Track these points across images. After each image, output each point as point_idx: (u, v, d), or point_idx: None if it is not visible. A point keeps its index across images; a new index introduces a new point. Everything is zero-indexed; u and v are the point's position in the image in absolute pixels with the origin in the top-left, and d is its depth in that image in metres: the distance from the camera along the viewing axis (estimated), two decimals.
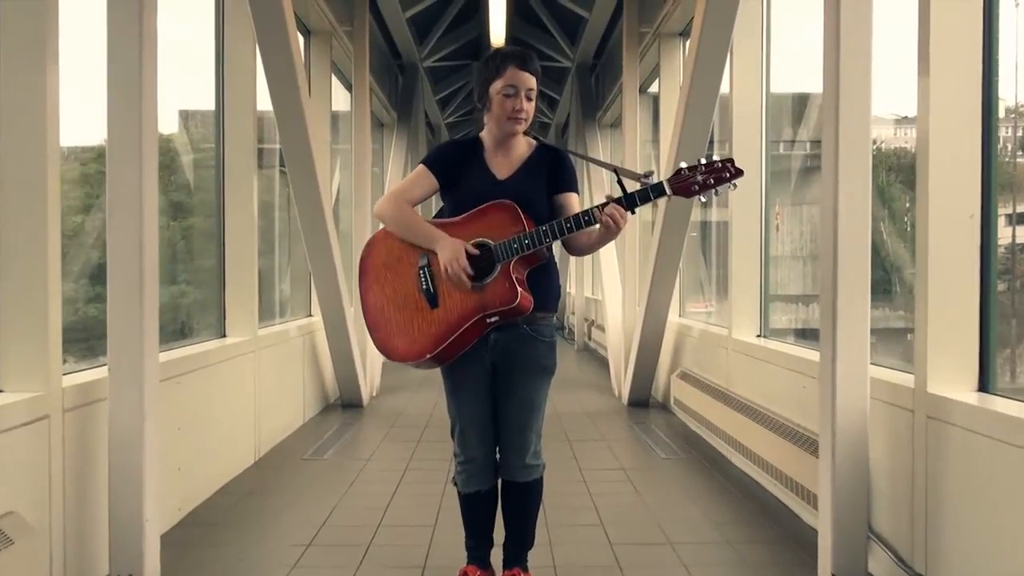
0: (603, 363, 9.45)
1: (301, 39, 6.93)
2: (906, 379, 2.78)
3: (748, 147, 4.87)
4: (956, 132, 2.51)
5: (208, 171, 4.90)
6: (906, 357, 3.86)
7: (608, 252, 8.38)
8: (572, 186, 2.61)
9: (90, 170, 4.12)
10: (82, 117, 3.46)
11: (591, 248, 2.58)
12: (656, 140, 7.82)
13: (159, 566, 2.86)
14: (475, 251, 2.41)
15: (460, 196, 2.52)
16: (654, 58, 7.42)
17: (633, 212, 2.41)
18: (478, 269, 2.42)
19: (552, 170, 2.58)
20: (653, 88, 8.10)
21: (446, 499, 3.85)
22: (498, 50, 2.59)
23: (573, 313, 12.81)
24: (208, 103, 4.86)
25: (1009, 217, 4.99)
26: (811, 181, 5.36)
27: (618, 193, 2.41)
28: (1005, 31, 2.53)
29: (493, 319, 2.45)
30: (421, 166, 2.56)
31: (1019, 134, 2.92)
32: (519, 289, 2.41)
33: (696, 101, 4.84)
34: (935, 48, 2.52)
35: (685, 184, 2.39)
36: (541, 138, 2.66)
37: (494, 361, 2.58)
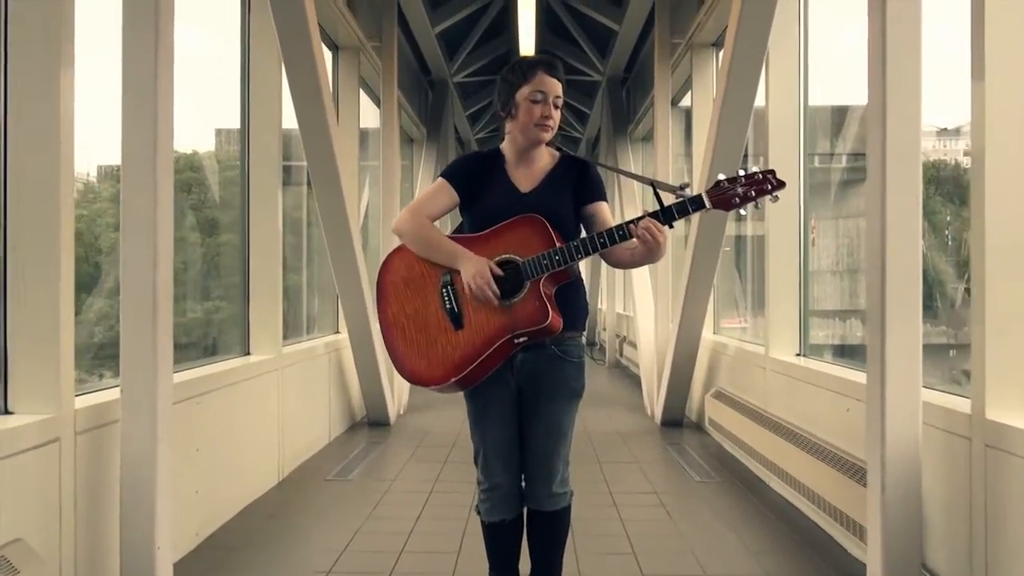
0: (634, 380, 9.26)
1: (329, 55, 6.92)
2: (961, 404, 2.59)
3: (785, 160, 4.70)
4: (1015, 141, 2.34)
5: (239, 188, 4.86)
6: (950, 376, 3.66)
7: (640, 267, 8.19)
8: (600, 195, 2.48)
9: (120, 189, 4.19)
10: (118, 134, 3.44)
11: (632, 264, 2.44)
12: (688, 154, 7.66)
13: None
14: (499, 271, 2.29)
15: (481, 211, 2.41)
16: (686, 70, 7.27)
17: (671, 226, 2.27)
18: (505, 287, 2.30)
19: (578, 181, 2.46)
20: (685, 101, 7.96)
21: (471, 524, 3.71)
22: (525, 56, 2.48)
23: (604, 329, 12.62)
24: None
25: None
26: (847, 194, 5.21)
27: (653, 207, 2.28)
28: None
29: (521, 340, 2.32)
30: (440, 179, 2.45)
31: None
32: (550, 308, 2.29)
33: (730, 113, 4.69)
34: (990, 50, 2.35)
35: (724, 196, 2.25)
36: (565, 148, 2.54)
37: (520, 384, 2.45)
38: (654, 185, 2.33)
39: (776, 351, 4.76)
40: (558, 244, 2.29)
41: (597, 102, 11.07)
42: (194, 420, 3.49)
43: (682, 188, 2.29)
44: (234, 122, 4.84)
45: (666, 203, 2.27)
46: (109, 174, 4.20)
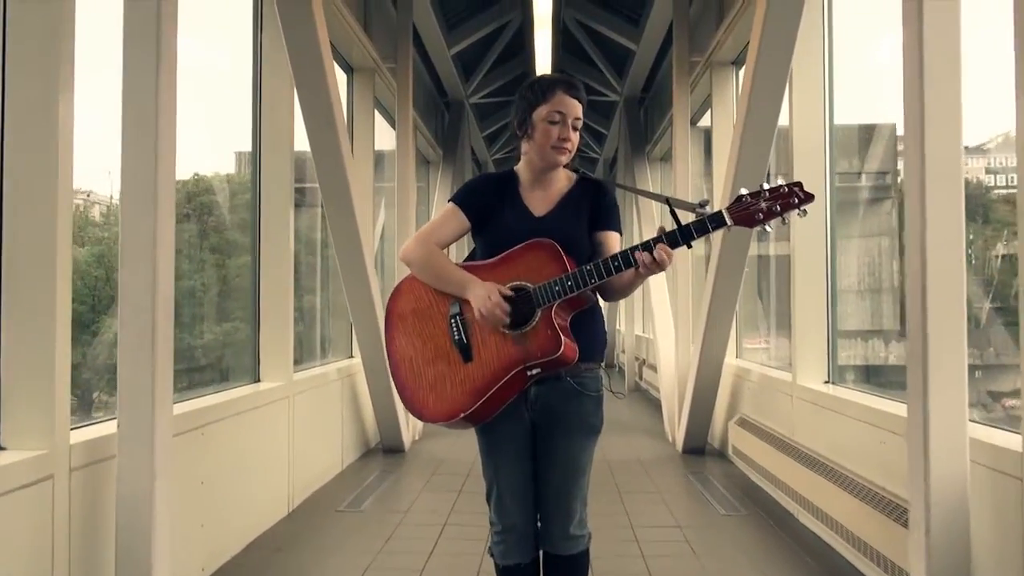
0: (654, 404, 9.07)
1: (344, 76, 6.87)
2: (1010, 440, 2.42)
3: (811, 179, 4.54)
4: None
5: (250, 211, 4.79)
6: (976, 398, 3.48)
7: (659, 288, 8.05)
8: (613, 224, 2.33)
9: None
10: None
11: (626, 291, 2.28)
12: (708, 173, 7.52)
13: None
14: (509, 292, 2.15)
15: (494, 236, 2.27)
16: (705, 88, 7.15)
17: (689, 246, 2.11)
18: (516, 316, 2.16)
19: (593, 205, 2.32)
20: (703, 121, 7.83)
21: (486, 562, 3.55)
22: (544, 75, 2.35)
23: (623, 351, 12.43)
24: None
25: None
26: (865, 213, 5.10)
27: (670, 226, 2.13)
28: None
29: (534, 371, 2.18)
30: (450, 204, 2.32)
31: None
32: (562, 337, 2.14)
33: (753, 133, 4.54)
34: None
35: (747, 212, 2.08)
36: (583, 170, 2.41)
37: (534, 419, 2.31)
38: (670, 202, 2.18)
39: (803, 378, 4.57)
40: (571, 269, 2.16)
41: (614, 122, 10.98)
42: (199, 452, 3.36)
43: (701, 205, 2.13)
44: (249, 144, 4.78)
45: (684, 221, 2.12)
46: None
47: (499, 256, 2.23)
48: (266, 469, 4.25)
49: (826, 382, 4.56)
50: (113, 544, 2.51)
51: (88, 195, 3.96)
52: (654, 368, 9.21)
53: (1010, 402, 3.48)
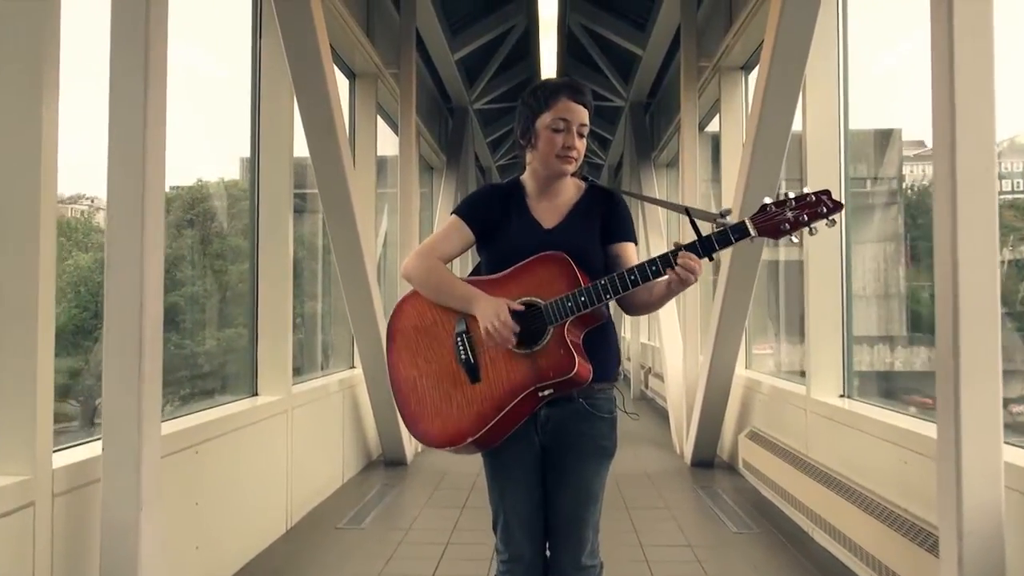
0: (660, 413, 8.93)
1: (346, 82, 6.76)
2: None
3: (825, 183, 4.41)
4: None
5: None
6: None
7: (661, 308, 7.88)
8: (628, 235, 2.21)
9: None
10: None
11: (652, 306, 2.15)
12: (715, 179, 7.40)
13: None
14: (519, 307, 2.03)
15: (501, 249, 2.14)
16: (713, 94, 7.03)
17: (711, 258, 1.99)
18: (527, 333, 2.04)
19: (605, 216, 2.19)
20: (711, 126, 7.71)
21: None
22: (547, 80, 2.22)
23: (628, 359, 12.29)
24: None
25: None
26: (870, 219, 5.08)
27: (687, 237, 2.00)
28: None
29: (546, 392, 2.04)
30: (454, 216, 2.19)
31: None
32: (576, 356, 2.01)
33: (766, 139, 4.41)
34: None
35: (772, 223, 1.95)
36: (592, 179, 2.28)
37: (544, 443, 2.18)
38: (689, 213, 2.05)
39: (818, 392, 4.43)
40: (584, 284, 2.03)
41: (620, 128, 10.87)
42: (193, 471, 3.24)
43: (722, 215, 2.00)
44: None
45: (704, 232, 1.99)
46: None
47: (507, 270, 2.10)
48: (263, 486, 4.12)
49: (841, 396, 4.42)
50: (98, 575, 2.38)
51: (92, 201, 3.88)
52: (660, 377, 9.06)
53: (1017, 408, 3.37)
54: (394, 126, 7.66)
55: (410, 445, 6.37)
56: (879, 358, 4.93)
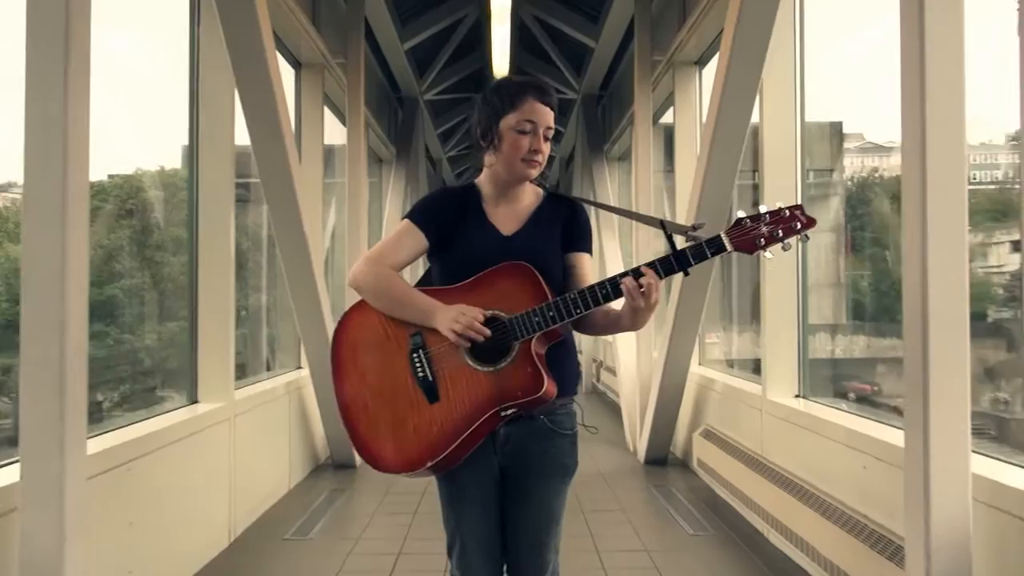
0: (612, 408, 8.90)
1: (291, 72, 6.52)
2: (1012, 476, 2.24)
3: (783, 177, 4.39)
4: None
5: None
6: None
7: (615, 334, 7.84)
8: (586, 245, 2.10)
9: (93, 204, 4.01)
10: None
11: (608, 328, 2.03)
12: (667, 171, 7.35)
13: None
14: (484, 315, 1.90)
15: (457, 257, 2.01)
16: (667, 88, 6.98)
17: (686, 273, 1.89)
18: (491, 350, 1.91)
19: (566, 225, 2.07)
20: (665, 118, 7.66)
21: None
22: (510, 78, 2.07)
23: (580, 352, 12.29)
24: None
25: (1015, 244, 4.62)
26: (815, 210, 4.94)
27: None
28: None
29: (509, 412, 1.92)
30: (405, 221, 2.03)
31: None
32: (545, 375, 1.89)
33: (724, 137, 4.35)
34: None
35: (747, 238, 1.86)
36: (549, 185, 2.17)
37: (503, 463, 2.06)
38: (664, 226, 1.95)
39: (774, 392, 4.40)
40: (550, 297, 1.91)
41: (571, 120, 10.77)
42: (126, 490, 3.03)
43: (695, 228, 1.91)
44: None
45: (679, 245, 1.89)
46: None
47: (466, 280, 1.96)
48: (204, 499, 3.92)
49: (797, 396, 4.40)
50: None
51: None
52: (613, 371, 9.03)
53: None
54: (342, 117, 7.43)
55: None
56: (821, 346, 4.95)
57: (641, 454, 6.24)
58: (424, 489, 5.29)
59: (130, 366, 4.56)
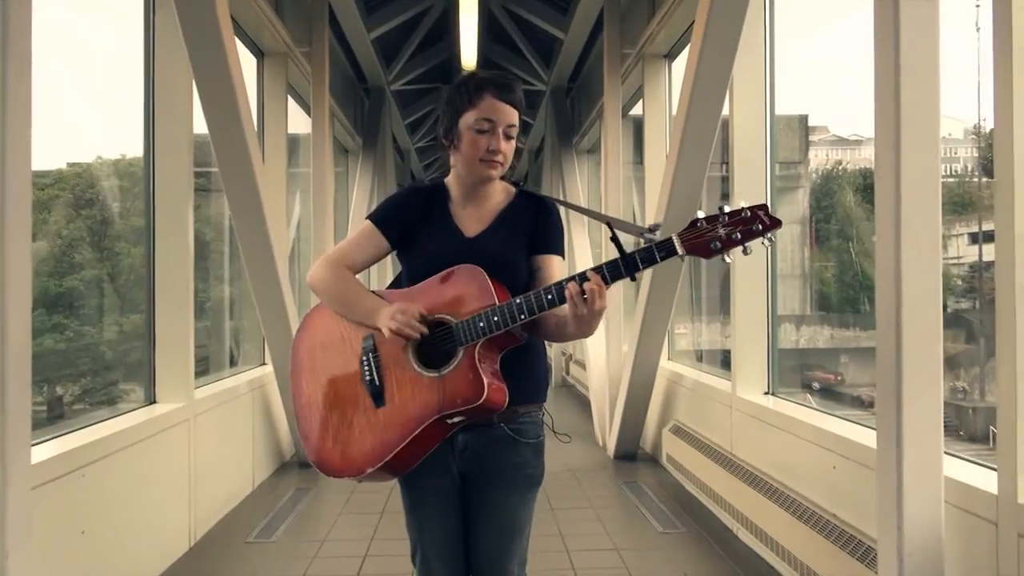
0: (581, 401, 8.88)
1: (254, 60, 6.36)
2: (984, 480, 2.23)
3: (753, 170, 4.37)
4: None
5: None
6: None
7: (565, 342, 7.81)
8: (556, 247, 2.00)
9: (45, 196, 4.07)
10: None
11: (566, 334, 1.88)
12: (637, 162, 7.31)
13: None
14: (422, 311, 1.81)
15: (417, 259, 1.93)
16: (636, 81, 6.93)
17: (633, 278, 1.76)
18: (436, 355, 1.83)
19: (535, 225, 1.98)
20: (634, 110, 7.62)
21: None
22: (473, 74, 1.95)
23: (550, 345, 12.27)
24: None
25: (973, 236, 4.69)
26: (780, 203, 5.11)
27: (611, 243, 1.78)
28: None
29: (456, 419, 1.84)
30: (367, 222, 1.95)
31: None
32: (485, 381, 1.79)
33: (694, 131, 4.30)
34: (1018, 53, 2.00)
35: (702, 240, 1.72)
36: (523, 184, 2.08)
37: (463, 470, 1.98)
38: (611, 225, 1.81)
39: (743, 389, 4.38)
40: (500, 301, 1.81)
41: (540, 112, 10.70)
42: (79, 497, 2.91)
43: (651, 230, 1.75)
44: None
45: (628, 248, 1.75)
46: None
47: (419, 284, 1.89)
48: (162, 503, 3.79)
49: (766, 393, 4.39)
50: None
51: None
52: (582, 365, 9.01)
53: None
54: (306, 107, 7.28)
55: None
56: (786, 336, 4.96)
57: (611, 449, 6.22)
58: (391, 487, 5.19)
59: (91, 360, 4.43)
